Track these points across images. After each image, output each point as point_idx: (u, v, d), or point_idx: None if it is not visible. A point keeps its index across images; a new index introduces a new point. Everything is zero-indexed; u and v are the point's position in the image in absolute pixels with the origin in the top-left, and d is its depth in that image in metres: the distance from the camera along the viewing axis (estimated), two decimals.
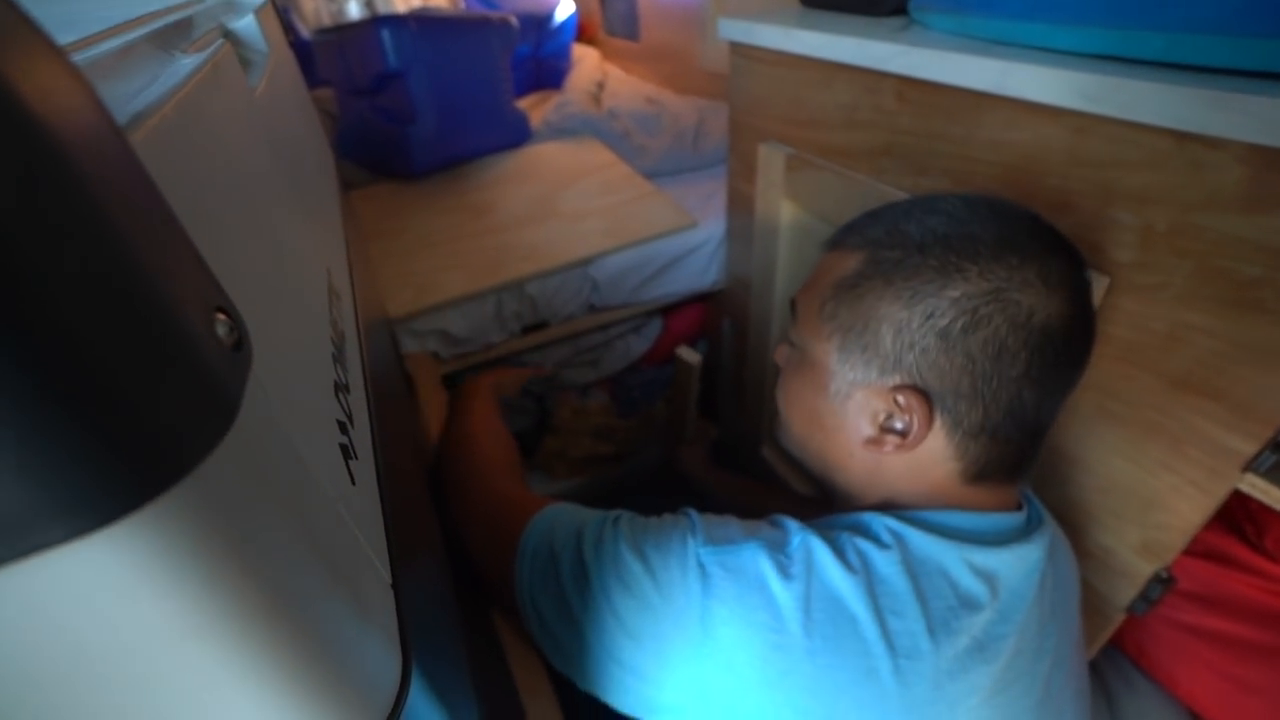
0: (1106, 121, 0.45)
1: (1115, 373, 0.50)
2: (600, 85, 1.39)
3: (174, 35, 0.32)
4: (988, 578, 0.39)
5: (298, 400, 0.18)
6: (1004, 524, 0.42)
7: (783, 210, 0.80)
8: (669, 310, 1.09)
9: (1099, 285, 0.48)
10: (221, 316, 0.13)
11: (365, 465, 0.24)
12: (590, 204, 0.99)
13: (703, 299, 1.09)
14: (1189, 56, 0.42)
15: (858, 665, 0.35)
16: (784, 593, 0.37)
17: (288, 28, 0.76)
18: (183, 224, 0.13)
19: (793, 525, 0.41)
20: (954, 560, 0.38)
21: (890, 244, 0.40)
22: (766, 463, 1.05)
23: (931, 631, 0.36)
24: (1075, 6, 0.47)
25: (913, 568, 0.38)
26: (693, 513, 0.44)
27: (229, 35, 0.37)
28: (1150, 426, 0.49)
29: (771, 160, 0.79)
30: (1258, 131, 0.37)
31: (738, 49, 0.80)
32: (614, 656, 0.40)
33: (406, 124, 0.97)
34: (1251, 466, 0.44)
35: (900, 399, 0.39)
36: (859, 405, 0.42)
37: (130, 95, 0.20)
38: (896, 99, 0.61)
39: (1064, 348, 0.38)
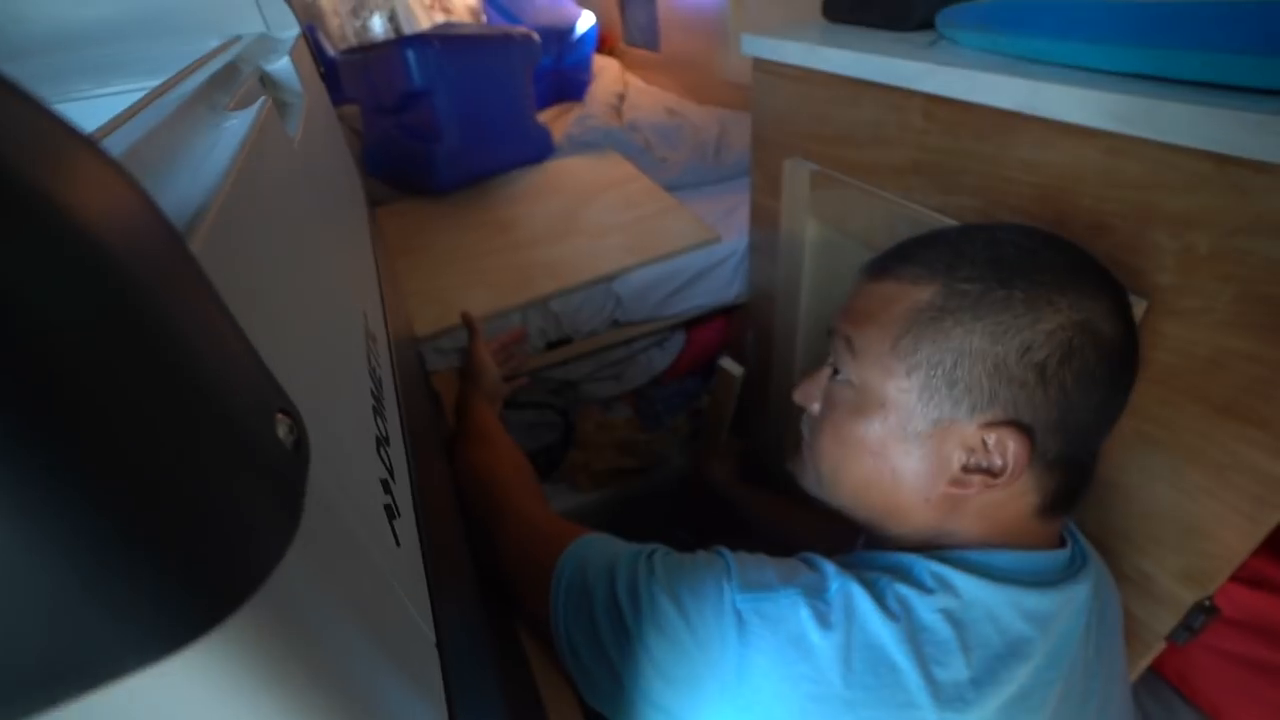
0: (1143, 143, 0.44)
1: (1154, 397, 0.49)
2: (621, 97, 1.40)
3: (219, 87, 0.33)
4: (1039, 621, 0.38)
5: (346, 472, 0.19)
6: (1050, 563, 0.41)
7: (808, 227, 0.80)
8: (692, 324, 1.09)
9: (1138, 308, 0.47)
10: (282, 417, 0.14)
11: (407, 521, 0.24)
12: (613, 219, 1.00)
13: (726, 312, 1.09)
14: (1227, 77, 0.41)
15: (900, 717, 0.35)
16: (823, 643, 0.36)
17: (314, 48, 0.78)
18: (240, 326, 0.14)
19: (830, 569, 0.40)
20: (1004, 605, 0.37)
21: (966, 275, 0.38)
22: (792, 476, 1.05)
23: (976, 681, 0.35)
24: (1108, 25, 0.47)
25: (957, 615, 0.37)
26: (727, 554, 0.43)
27: (266, 80, 0.38)
28: (1192, 452, 0.48)
29: (797, 177, 0.78)
30: None
31: (761, 65, 0.80)
32: (648, 698, 0.39)
33: (431, 142, 0.99)
34: None
35: (990, 437, 0.38)
36: (941, 444, 0.39)
37: (188, 179, 0.20)
38: (924, 117, 0.60)
39: (1128, 371, 0.39)
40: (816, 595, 0.38)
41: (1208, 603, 0.51)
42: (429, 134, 0.99)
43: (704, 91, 1.42)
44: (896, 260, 0.42)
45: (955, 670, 0.36)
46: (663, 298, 0.95)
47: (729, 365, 0.86)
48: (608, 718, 0.44)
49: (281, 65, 0.38)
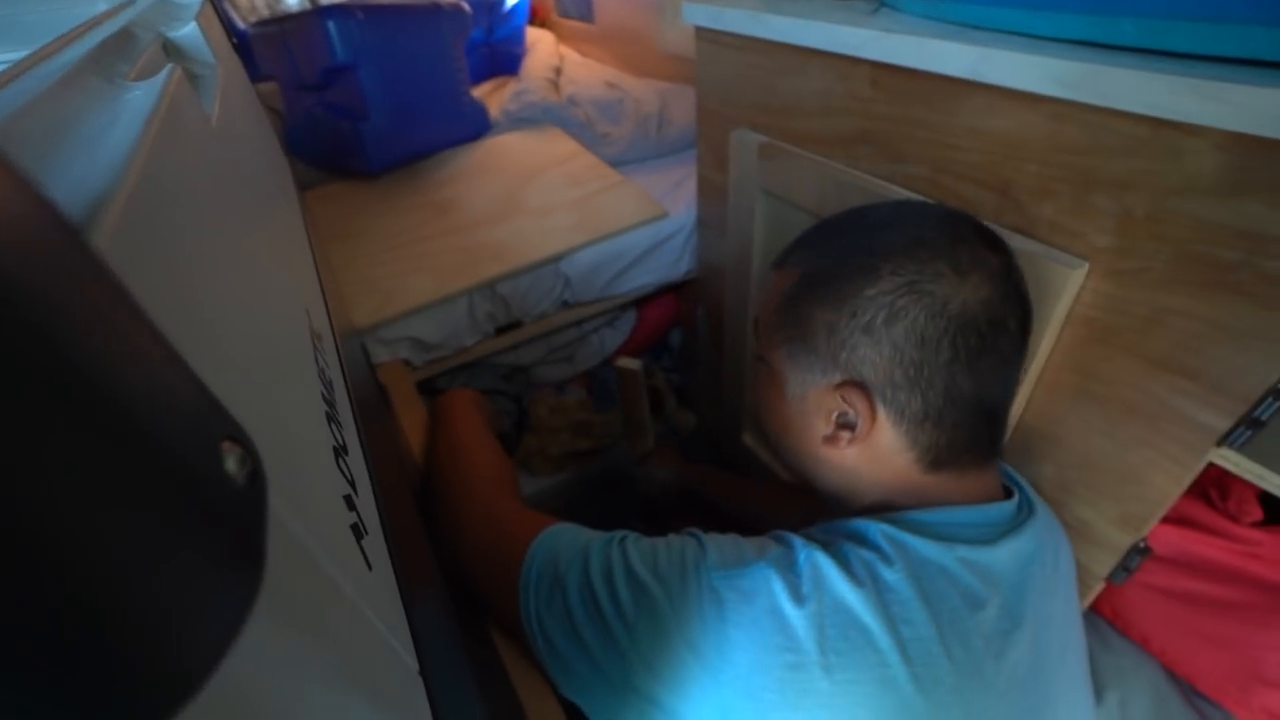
0: (1085, 109, 0.45)
1: (1096, 355, 0.51)
2: (558, 70, 1.35)
3: (113, 54, 0.29)
4: (985, 575, 0.39)
5: (305, 493, 0.17)
6: (993, 516, 0.43)
7: (758, 200, 0.79)
8: (642, 302, 1.07)
9: (1078, 270, 0.49)
10: (230, 446, 0.11)
11: (375, 539, 0.22)
12: (557, 197, 0.97)
13: (676, 288, 1.08)
14: (1163, 42, 0.42)
15: (874, 676, 0.35)
16: (797, 613, 0.37)
17: (224, 21, 0.71)
18: (165, 336, 0.11)
19: (797, 541, 0.41)
20: (951, 561, 0.39)
21: (821, 257, 0.44)
22: (748, 449, 1.06)
23: (942, 635, 0.37)
24: None
25: (917, 573, 0.38)
26: (700, 534, 0.43)
27: (170, 49, 0.33)
28: (1129, 405, 0.51)
29: (744, 149, 0.77)
30: (1236, 119, 0.37)
31: (704, 34, 0.78)
32: (629, 684, 0.39)
33: (359, 120, 0.93)
34: (1226, 441, 0.46)
35: (845, 395, 0.42)
36: (814, 405, 0.45)
37: (84, 162, 0.17)
38: (871, 85, 0.60)
39: (990, 330, 0.40)
40: (788, 568, 0.39)
41: (1143, 544, 0.55)
42: (356, 112, 0.92)
43: (641, 64, 1.39)
44: (787, 252, 0.48)
45: (920, 626, 0.37)
46: (612, 277, 0.94)
47: (627, 363, 0.86)
48: (585, 708, 0.43)
49: (188, 32, 0.33)
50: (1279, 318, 0.40)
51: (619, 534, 0.45)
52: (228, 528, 0.10)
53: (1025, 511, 0.45)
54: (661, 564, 0.41)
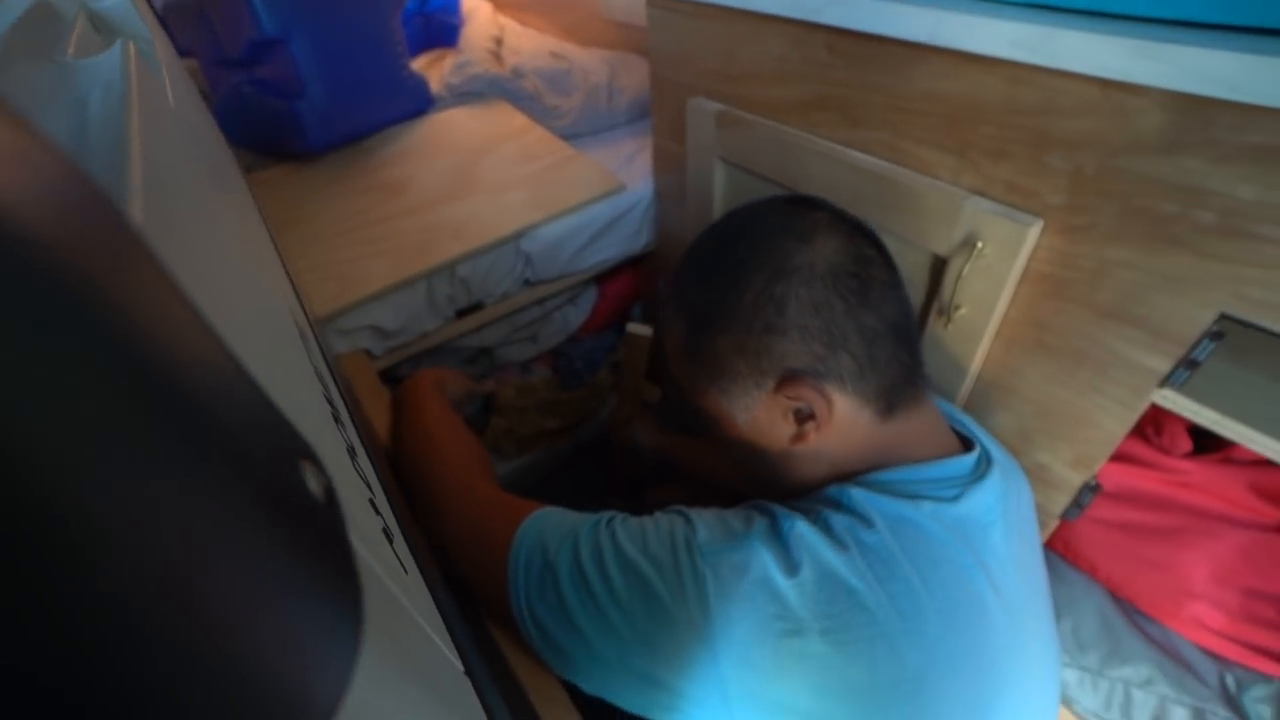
0: (1039, 71, 0.46)
1: (1049, 308, 0.54)
2: (499, 41, 1.30)
3: (36, 31, 0.26)
4: (951, 527, 0.42)
5: (350, 504, 0.16)
6: (954, 470, 0.46)
7: (716, 169, 0.79)
8: (602, 277, 1.07)
9: (1033, 228, 0.51)
10: (307, 464, 0.10)
11: (399, 541, 0.21)
12: (512, 173, 0.94)
13: (635, 262, 1.08)
14: (1113, 6, 0.44)
15: (867, 634, 0.37)
16: (787, 583, 0.38)
17: None
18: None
19: (780, 512, 0.43)
20: (920, 516, 0.41)
21: (689, 295, 0.47)
22: None
23: (926, 585, 0.39)
24: None
25: (896, 531, 0.40)
26: (686, 511, 0.44)
27: (98, 23, 0.30)
28: (1080, 354, 0.54)
29: (701, 117, 0.77)
30: (1175, 78, 0.40)
31: (657, 1, 0.77)
32: (626, 665, 0.40)
33: (294, 98, 0.87)
34: (1166, 382, 0.50)
35: (789, 392, 0.44)
36: (766, 417, 0.46)
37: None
38: (828, 50, 0.61)
39: (857, 266, 0.43)
40: (774, 539, 0.40)
41: (1093, 482, 0.59)
42: (290, 89, 0.87)
43: (584, 32, 1.35)
44: (659, 315, 0.52)
45: (904, 581, 0.39)
46: (573, 252, 0.92)
47: (637, 328, 0.86)
48: (581, 686, 0.44)
49: (113, 3, 0.30)
50: (1211, 265, 0.44)
51: (605, 515, 0.45)
52: (326, 551, 0.10)
53: (984, 463, 0.48)
54: (651, 543, 0.41)
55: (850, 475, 0.46)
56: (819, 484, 0.48)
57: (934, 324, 0.62)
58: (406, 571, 0.19)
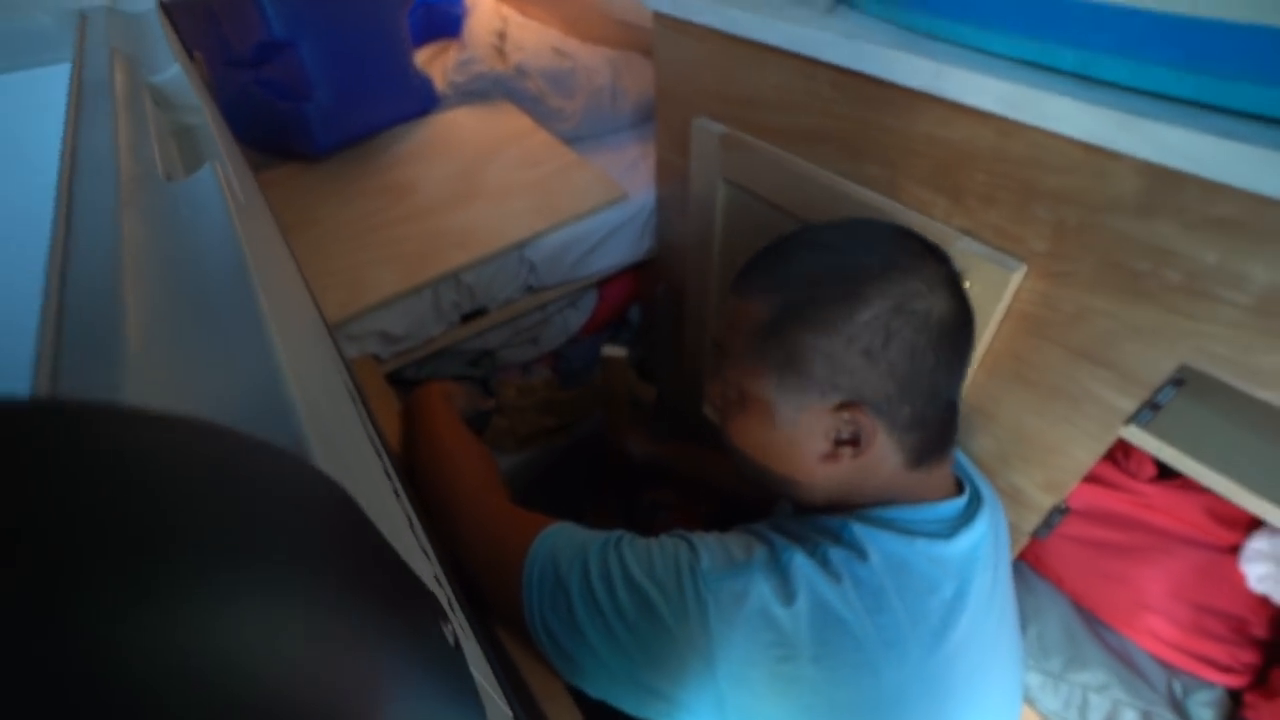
0: (1028, 128, 0.49)
1: (1029, 345, 0.58)
2: (502, 35, 1.30)
3: (119, 122, 0.28)
4: (943, 565, 0.45)
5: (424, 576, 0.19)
6: (949, 512, 0.49)
7: (719, 188, 0.82)
8: (602, 281, 1.09)
9: (1017, 271, 0.54)
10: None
11: (445, 585, 0.24)
12: (515, 179, 0.96)
13: (636, 265, 1.10)
14: (1097, 72, 0.47)
15: (853, 660, 0.41)
16: (783, 613, 0.41)
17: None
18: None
19: (779, 542, 0.46)
20: (915, 555, 0.45)
21: (795, 287, 0.45)
22: (708, 421, 1.11)
23: (910, 618, 0.42)
24: (1000, 13, 0.51)
25: (886, 567, 0.43)
26: (690, 537, 0.47)
27: (158, 99, 0.31)
28: (1056, 389, 0.58)
29: (705, 138, 0.79)
30: (1151, 151, 0.43)
31: (663, 20, 0.78)
32: (633, 678, 0.43)
33: (302, 100, 0.88)
34: (1132, 420, 0.53)
35: (845, 415, 0.45)
36: (808, 428, 0.47)
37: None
38: (832, 86, 0.63)
39: (958, 333, 0.46)
40: (773, 570, 0.43)
41: (1063, 505, 0.63)
42: (297, 91, 0.87)
43: (586, 26, 1.35)
44: (743, 280, 0.49)
45: (890, 613, 0.42)
46: (576, 259, 0.95)
47: (612, 351, 0.88)
48: (588, 692, 0.47)
49: (172, 75, 0.31)
50: (1177, 320, 0.47)
51: (614, 536, 0.48)
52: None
53: (975, 503, 0.51)
54: (658, 569, 0.44)
55: (852, 507, 0.49)
56: (816, 506, 0.51)
57: None
58: (458, 647, 0.22)
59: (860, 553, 0.44)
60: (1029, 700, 0.71)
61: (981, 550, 0.48)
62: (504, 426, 1.11)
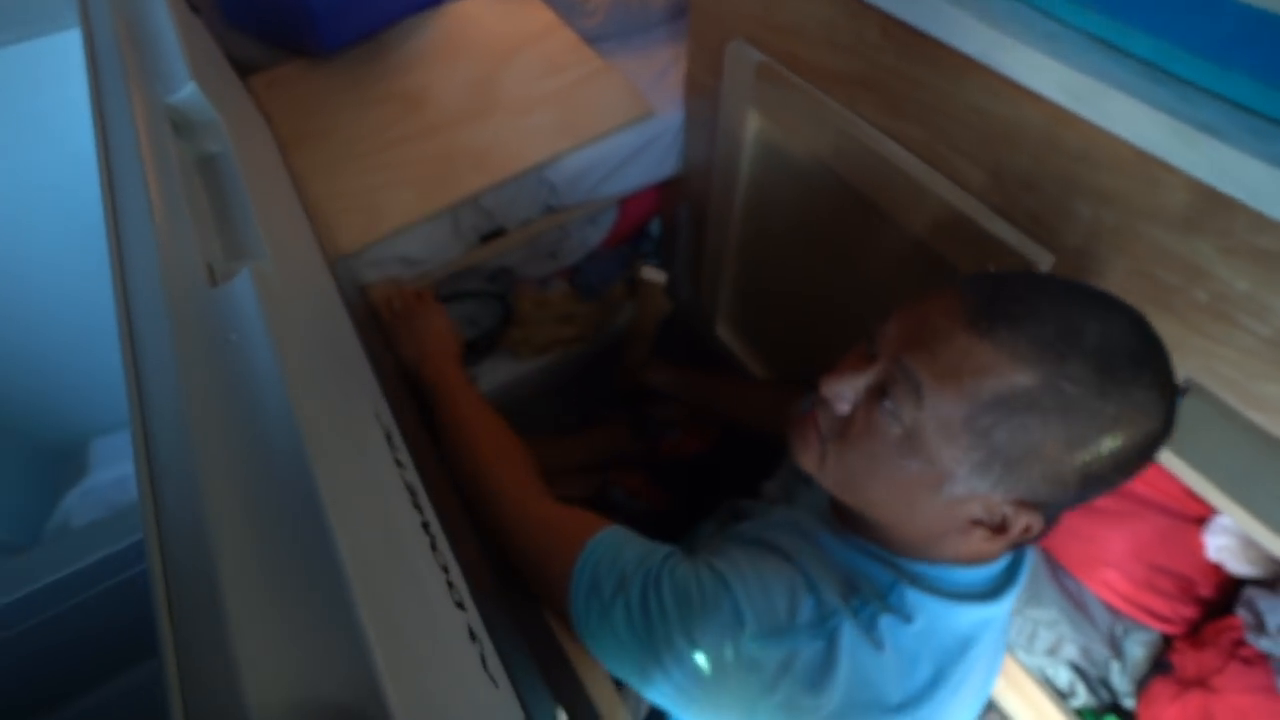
0: (1083, 121, 0.46)
1: None
2: None
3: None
4: (983, 624, 0.46)
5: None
6: (997, 570, 0.47)
7: (750, 117, 0.77)
8: (624, 197, 1.06)
9: (1045, 263, 0.53)
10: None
11: (481, 640, 0.28)
12: (536, 89, 0.90)
13: (660, 183, 1.06)
14: (1169, 65, 0.43)
15: (871, 715, 0.43)
16: (822, 680, 0.42)
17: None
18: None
19: (825, 593, 0.45)
20: (958, 619, 0.45)
21: (1073, 374, 0.36)
22: (722, 341, 1.14)
23: (933, 680, 0.44)
24: None
25: (930, 629, 0.44)
26: (735, 589, 0.44)
27: (176, 118, 0.30)
28: None
29: (740, 64, 0.73)
30: (1208, 172, 0.41)
31: None
32: (663, 694, 0.46)
33: None
34: None
35: (1012, 511, 0.40)
36: (965, 505, 0.41)
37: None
38: (881, 33, 0.58)
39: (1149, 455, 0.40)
40: (819, 634, 0.43)
41: None
42: None
43: None
44: (1005, 323, 0.38)
45: (920, 674, 0.44)
46: (598, 180, 0.92)
47: (651, 274, 0.86)
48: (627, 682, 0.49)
49: (187, 93, 0.30)
50: (1194, 338, 0.47)
51: (654, 569, 0.46)
52: None
53: (1018, 557, 0.49)
54: (698, 623, 0.43)
55: (908, 556, 0.46)
56: (868, 533, 0.48)
57: None
58: (498, 688, 0.27)
59: (906, 617, 0.43)
60: None
61: (1014, 600, 0.48)
62: (519, 337, 1.15)
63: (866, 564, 0.47)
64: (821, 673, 0.42)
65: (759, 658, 0.43)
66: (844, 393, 0.44)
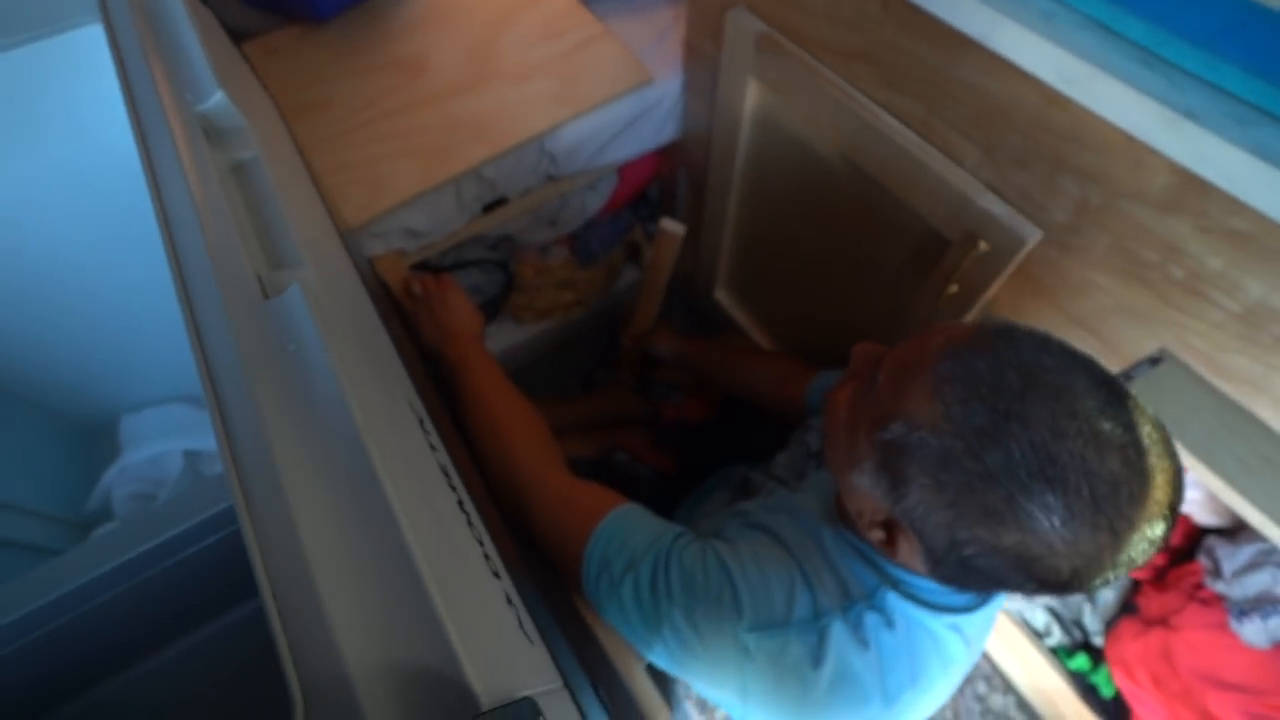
0: (1074, 103, 0.47)
1: (1029, 304, 0.61)
2: None
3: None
4: (964, 635, 0.48)
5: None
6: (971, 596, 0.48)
7: (750, 86, 0.77)
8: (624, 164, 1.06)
9: (1033, 238, 0.56)
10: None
11: (519, 601, 0.31)
12: (535, 55, 0.89)
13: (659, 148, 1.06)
14: (1165, 52, 0.44)
15: (858, 712, 0.47)
16: (813, 674, 0.45)
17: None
18: None
19: (819, 590, 0.48)
20: (938, 626, 0.47)
21: (974, 446, 0.35)
22: (721, 306, 1.16)
23: (912, 679, 0.47)
24: None
25: (910, 634, 0.47)
26: (737, 581, 0.47)
27: (207, 126, 0.31)
28: None
29: (741, 33, 0.73)
30: (1189, 157, 0.43)
31: None
32: (660, 659, 0.50)
33: None
34: None
35: (890, 528, 0.42)
36: (865, 499, 0.43)
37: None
38: (882, 8, 0.58)
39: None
40: (811, 631, 0.46)
41: None
42: None
43: None
44: (946, 356, 0.38)
45: (900, 674, 0.46)
46: (597, 148, 0.92)
47: (671, 226, 0.87)
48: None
49: (216, 101, 0.31)
50: (1168, 310, 0.50)
51: (663, 555, 0.49)
52: None
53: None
54: (700, 610, 0.47)
55: (893, 562, 0.47)
56: (867, 542, 0.48)
57: (925, 295, 0.68)
58: (532, 642, 0.30)
59: (889, 621, 0.46)
60: None
61: (995, 608, 0.50)
62: (522, 303, 1.17)
63: (856, 564, 0.49)
64: (809, 666, 0.45)
65: (752, 647, 0.46)
66: (860, 362, 0.46)
